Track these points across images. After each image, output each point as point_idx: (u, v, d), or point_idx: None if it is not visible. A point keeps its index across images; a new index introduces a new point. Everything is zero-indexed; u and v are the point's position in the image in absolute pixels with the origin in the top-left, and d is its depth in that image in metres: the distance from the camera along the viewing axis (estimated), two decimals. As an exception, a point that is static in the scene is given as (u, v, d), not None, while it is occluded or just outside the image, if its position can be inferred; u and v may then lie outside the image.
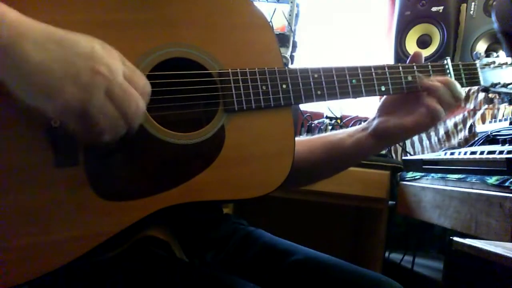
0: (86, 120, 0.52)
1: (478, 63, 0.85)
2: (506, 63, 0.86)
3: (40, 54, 0.49)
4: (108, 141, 0.55)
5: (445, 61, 0.82)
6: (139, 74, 0.57)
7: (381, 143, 0.82)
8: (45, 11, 0.58)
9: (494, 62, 0.86)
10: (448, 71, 0.81)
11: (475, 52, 0.87)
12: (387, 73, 0.77)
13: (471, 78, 0.84)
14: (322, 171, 0.90)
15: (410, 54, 0.83)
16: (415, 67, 0.79)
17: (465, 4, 1.97)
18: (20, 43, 0.48)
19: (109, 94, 0.52)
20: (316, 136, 0.89)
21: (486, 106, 1.73)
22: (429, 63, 0.81)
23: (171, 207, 0.64)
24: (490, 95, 0.88)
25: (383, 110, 0.82)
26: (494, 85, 0.85)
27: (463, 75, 0.82)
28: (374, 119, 0.82)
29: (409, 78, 0.78)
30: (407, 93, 0.78)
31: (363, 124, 0.84)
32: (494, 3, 1.74)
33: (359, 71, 0.76)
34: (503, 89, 0.86)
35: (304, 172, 0.83)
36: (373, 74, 0.77)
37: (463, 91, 0.78)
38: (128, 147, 0.62)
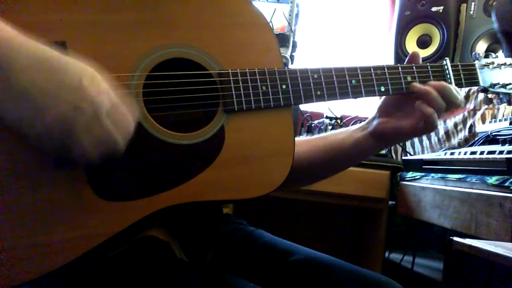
0: (63, 150, 0.53)
1: (477, 63, 0.85)
2: (505, 64, 0.86)
3: (26, 78, 0.49)
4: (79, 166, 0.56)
5: (444, 62, 0.82)
6: (124, 112, 0.56)
7: (380, 143, 0.82)
8: (44, 11, 0.58)
9: (493, 63, 0.86)
10: (447, 71, 0.81)
11: (474, 53, 0.87)
12: (387, 73, 0.78)
13: (470, 78, 0.84)
14: (322, 171, 0.90)
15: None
16: (414, 67, 0.79)
17: (465, 4, 1.97)
18: (8, 67, 0.49)
19: (87, 131, 0.52)
20: (316, 136, 0.89)
21: (486, 106, 1.73)
22: (428, 64, 0.81)
23: (171, 207, 0.64)
24: (489, 95, 0.88)
25: (383, 111, 0.82)
26: (493, 85, 0.85)
27: (462, 76, 0.82)
28: (373, 119, 0.82)
29: (409, 79, 0.78)
30: (407, 93, 0.78)
31: (363, 124, 0.84)
32: (494, 3, 1.74)
33: (359, 71, 0.76)
34: (502, 90, 0.86)
35: (304, 172, 0.83)
36: (373, 74, 0.77)
37: (459, 95, 0.78)
38: (128, 147, 0.62)
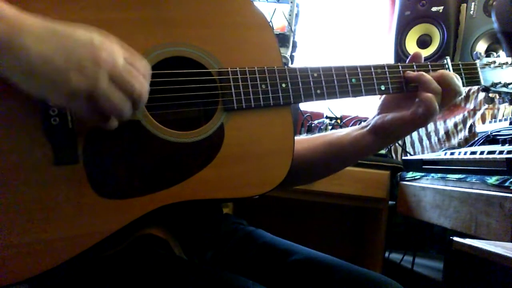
0: (93, 105, 0.53)
1: (478, 62, 0.85)
2: (506, 63, 0.86)
3: (41, 46, 0.50)
4: (115, 125, 0.57)
5: (445, 61, 0.82)
6: (139, 57, 0.58)
7: (379, 139, 0.81)
8: (43, 11, 0.58)
9: (494, 62, 0.85)
10: (448, 70, 0.81)
11: (475, 52, 0.87)
12: (387, 72, 0.77)
13: (471, 77, 0.83)
14: (322, 170, 0.90)
15: (410, 54, 0.82)
16: (415, 66, 0.79)
17: (465, 4, 1.97)
18: (19, 37, 0.49)
19: (113, 78, 0.53)
20: (316, 135, 0.89)
21: (486, 106, 1.73)
22: (428, 63, 0.81)
23: (170, 206, 0.64)
24: (490, 95, 0.88)
25: (383, 108, 0.82)
26: (494, 84, 0.85)
27: (463, 75, 0.82)
28: (373, 117, 0.82)
29: None
30: (407, 91, 0.78)
31: (363, 123, 0.84)
32: (494, 3, 1.74)
33: (359, 70, 0.76)
34: (504, 89, 0.86)
35: (303, 171, 0.83)
36: (373, 73, 0.77)
37: (460, 82, 0.78)
38: (128, 145, 0.62)
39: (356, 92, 0.76)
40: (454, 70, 0.81)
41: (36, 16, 0.52)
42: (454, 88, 0.75)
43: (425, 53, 1.97)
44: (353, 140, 0.82)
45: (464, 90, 0.79)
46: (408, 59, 0.82)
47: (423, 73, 0.76)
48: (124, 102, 0.55)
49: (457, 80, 0.77)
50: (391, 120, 0.78)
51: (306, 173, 0.87)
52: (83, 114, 0.55)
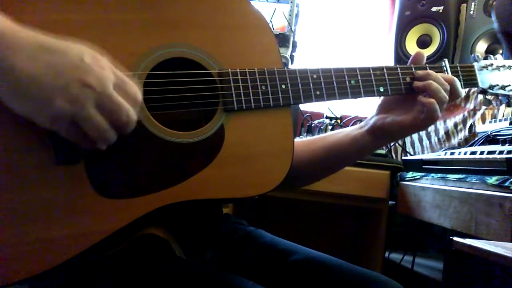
0: (78, 129, 0.53)
1: (476, 65, 0.85)
2: (504, 66, 0.86)
3: (29, 66, 0.49)
4: (100, 148, 0.56)
5: (443, 63, 0.82)
6: (130, 84, 0.57)
7: (377, 140, 0.82)
8: (44, 11, 0.58)
9: (492, 64, 0.86)
10: (446, 72, 0.82)
11: (473, 55, 0.87)
12: (386, 74, 0.78)
13: (469, 80, 0.84)
14: (321, 170, 0.90)
15: (410, 54, 0.83)
16: (413, 68, 0.80)
17: (465, 4, 1.97)
18: (9, 55, 0.49)
19: (99, 106, 0.52)
20: (316, 137, 0.90)
21: (485, 106, 1.73)
22: (427, 65, 0.81)
23: (171, 206, 0.64)
24: (488, 97, 0.88)
25: (383, 108, 0.82)
26: (492, 87, 0.85)
27: (461, 77, 0.83)
28: (372, 117, 0.83)
29: (408, 79, 0.79)
30: (407, 93, 0.78)
31: (361, 123, 0.85)
32: (494, 3, 1.74)
33: (358, 72, 0.76)
34: (501, 91, 0.86)
35: (303, 172, 0.83)
36: (372, 75, 0.77)
37: (462, 89, 0.78)
38: (128, 146, 0.62)
39: (355, 94, 0.76)
40: (452, 72, 0.82)
41: (29, 30, 0.51)
42: (457, 94, 0.77)
43: (425, 53, 1.94)
44: (353, 141, 0.82)
45: (463, 91, 0.80)
46: (410, 59, 0.82)
47: (432, 82, 0.76)
48: (108, 130, 0.54)
49: (460, 85, 0.78)
50: (391, 122, 0.79)
51: (305, 174, 0.87)
52: (67, 136, 0.54)
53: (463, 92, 0.78)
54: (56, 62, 0.51)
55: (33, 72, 0.49)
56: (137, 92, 0.57)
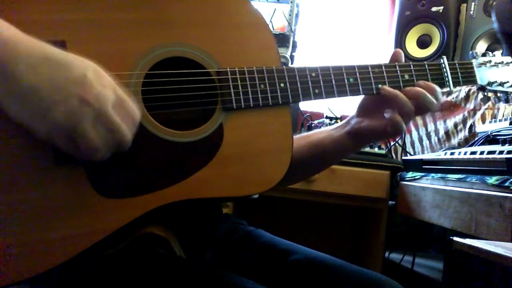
0: (73, 143, 0.53)
1: (474, 62, 0.85)
2: (502, 62, 0.86)
3: (31, 77, 0.49)
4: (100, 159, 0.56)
5: (442, 60, 0.82)
6: (129, 104, 0.57)
7: (356, 142, 0.83)
8: (41, 11, 0.58)
9: (490, 61, 0.86)
10: (444, 70, 0.81)
11: (471, 52, 0.87)
12: (384, 72, 0.78)
13: (467, 77, 0.84)
14: (305, 170, 0.91)
15: (410, 54, 0.83)
16: (411, 66, 0.80)
17: (465, 4, 1.97)
18: (13, 64, 0.49)
19: (95, 124, 0.53)
20: (299, 135, 0.89)
21: (486, 106, 1.73)
22: (425, 62, 0.81)
23: (170, 205, 0.64)
24: (486, 93, 0.88)
25: (361, 110, 0.83)
26: (490, 83, 0.85)
27: (459, 74, 0.83)
28: (352, 117, 0.83)
29: (406, 77, 0.79)
30: (384, 95, 0.77)
31: (342, 123, 0.85)
32: (494, 3, 1.74)
33: (356, 69, 0.77)
34: (500, 88, 0.86)
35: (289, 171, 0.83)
36: (370, 73, 0.77)
37: (438, 95, 0.77)
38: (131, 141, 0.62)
39: (354, 91, 0.76)
40: (450, 69, 0.82)
41: (35, 40, 0.51)
42: (428, 106, 0.76)
43: (425, 53, 1.97)
44: (334, 142, 0.83)
45: (463, 90, 0.80)
46: (390, 57, 0.82)
47: (398, 94, 0.75)
48: (103, 147, 0.54)
49: (433, 96, 0.76)
50: (366, 128, 0.80)
51: (289, 174, 0.87)
52: (64, 149, 0.54)
53: (436, 104, 0.77)
54: (58, 75, 0.51)
55: (34, 83, 0.50)
56: (136, 113, 0.57)
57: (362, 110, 0.82)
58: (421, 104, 0.75)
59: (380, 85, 0.78)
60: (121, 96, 0.56)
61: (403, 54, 0.82)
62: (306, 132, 0.92)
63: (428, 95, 0.76)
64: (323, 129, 0.89)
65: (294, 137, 0.89)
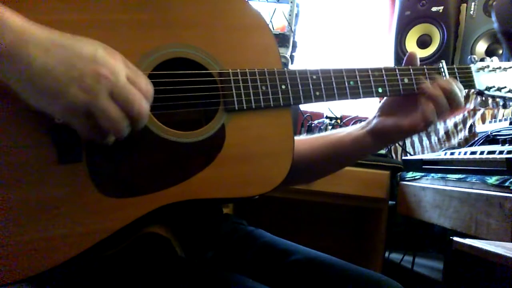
0: (91, 121, 0.53)
1: (472, 67, 0.86)
2: (500, 67, 0.87)
3: (44, 58, 0.50)
4: (112, 142, 0.56)
5: (441, 64, 0.83)
6: (142, 76, 0.58)
7: (378, 142, 0.83)
8: (45, 11, 0.59)
9: (488, 66, 0.86)
10: (443, 74, 0.82)
11: (469, 57, 0.88)
12: (384, 75, 0.78)
13: (466, 81, 0.84)
14: (322, 169, 0.91)
15: (410, 54, 0.83)
16: (411, 69, 0.80)
17: (465, 4, 1.97)
18: (24, 47, 0.50)
19: (113, 96, 0.53)
20: (317, 135, 0.90)
21: (482, 108, 1.73)
22: (425, 66, 0.81)
23: (172, 205, 0.64)
24: (484, 98, 0.88)
25: (383, 110, 0.82)
26: (488, 88, 0.86)
27: (458, 79, 0.83)
28: (374, 118, 0.83)
29: (406, 80, 0.79)
30: (407, 95, 0.79)
31: (363, 123, 0.85)
32: (494, 3, 1.74)
33: (357, 73, 0.77)
34: (497, 93, 0.86)
35: (303, 171, 0.83)
36: (371, 76, 0.78)
37: (462, 98, 0.79)
38: (130, 145, 0.62)
39: (354, 95, 0.77)
40: (449, 73, 0.82)
41: (43, 27, 0.52)
42: (459, 105, 0.77)
43: (425, 53, 1.97)
44: (354, 141, 0.83)
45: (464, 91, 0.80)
46: (404, 60, 0.83)
47: (440, 95, 0.76)
48: (122, 120, 0.54)
49: (461, 97, 0.78)
50: (391, 126, 0.80)
51: (306, 173, 0.88)
52: (81, 129, 0.55)
53: (463, 101, 0.78)
54: (70, 55, 0.52)
55: (49, 64, 0.50)
56: (149, 84, 0.58)
57: (385, 110, 0.83)
58: (454, 101, 0.77)
59: (406, 80, 0.79)
60: (134, 69, 0.57)
61: (418, 57, 0.82)
62: (306, 134, 0.92)
63: (458, 93, 0.77)
64: (342, 129, 0.89)
65: (312, 136, 0.90)
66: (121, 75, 0.54)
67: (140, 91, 0.56)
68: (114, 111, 0.53)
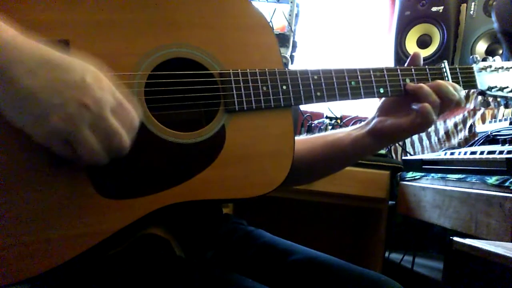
0: (69, 148, 0.53)
1: (474, 67, 0.86)
2: (502, 67, 0.87)
3: (29, 80, 0.49)
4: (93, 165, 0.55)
5: (443, 65, 0.83)
6: (128, 109, 0.56)
7: (378, 142, 0.83)
8: (47, 10, 0.59)
9: (490, 66, 0.86)
10: (445, 74, 0.82)
11: (471, 56, 0.88)
12: (386, 75, 0.78)
13: (468, 81, 0.84)
14: (322, 169, 0.91)
15: (410, 54, 0.83)
16: (413, 70, 0.80)
17: (465, 4, 1.97)
18: (11, 67, 0.48)
19: (93, 128, 0.52)
20: (316, 135, 0.90)
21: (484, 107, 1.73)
22: (426, 67, 0.81)
23: (172, 206, 0.64)
24: (486, 98, 0.89)
25: (383, 110, 0.82)
26: (490, 88, 0.86)
27: (460, 79, 0.83)
28: (373, 118, 0.83)
29: (407, 81, 0.79)
30: (406, 95, 0.79)
31: (362, 123, 0.85)
32: (494, 3, 1.74)
33: (358, 73, 0.77)
34: (499, 93, 0.86)
35: (303, 171, 0.83)
36: (372, 76, 0.78)
37: (457, 92, 0.78)
38: (130, 146, 0.62)
39: (356, 95, 0.76)
40: (451, 74, 0.82)
41: (34, 42, 0.51)
42: (450, 98, 0.77)
43: (425, 53, 1.97)
44: (353, 141, 0.83)
45: (463, 93, 0.80)
46: (408, 60, 0.83)
47: (423, 85, 0.77)
48: (101, 152, 0.54)
49: (454, 90, 0.78)
50: (390, 125, 0.80)
51: (306, 173, 0.88)
52: (60, 154, 0.54)
53: (460, 96, 0.78)
54: (56, 78, 0.51)
55: (32, 87, 0.49)
56: (134, 118, 0.57)
57: (383, 111, 0.83)
58: (443, 94, 0.76)
59: (407, 81, 0.79)
60: (120, 100, 0.55)
61: (421, 57, 0.82)
62: (306, 134, 0.92)
63: (449, 86, 0.77)
64: (341, 129, 0.89)
65: (311, 136, 0.90)
66: (105, 107, 0.53)
67: (123, 125, 0.55)
68: (92, 143, 0.52)
